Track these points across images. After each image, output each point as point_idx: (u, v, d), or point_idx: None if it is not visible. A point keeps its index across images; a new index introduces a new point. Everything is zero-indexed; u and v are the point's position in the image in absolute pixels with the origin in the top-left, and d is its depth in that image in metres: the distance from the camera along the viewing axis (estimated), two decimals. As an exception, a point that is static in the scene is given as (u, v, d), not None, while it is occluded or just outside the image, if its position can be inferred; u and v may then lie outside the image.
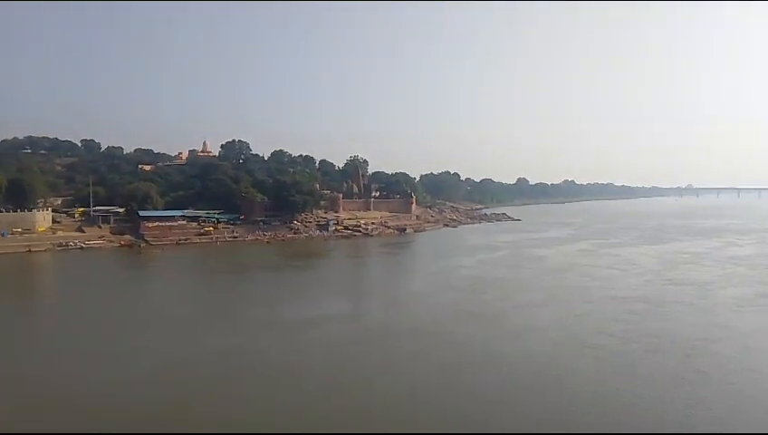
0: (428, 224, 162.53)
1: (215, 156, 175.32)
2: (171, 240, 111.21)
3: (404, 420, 30.39)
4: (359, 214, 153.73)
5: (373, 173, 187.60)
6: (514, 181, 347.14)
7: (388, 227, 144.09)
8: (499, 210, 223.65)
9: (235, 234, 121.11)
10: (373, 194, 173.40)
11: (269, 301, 62.40)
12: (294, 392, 34.10)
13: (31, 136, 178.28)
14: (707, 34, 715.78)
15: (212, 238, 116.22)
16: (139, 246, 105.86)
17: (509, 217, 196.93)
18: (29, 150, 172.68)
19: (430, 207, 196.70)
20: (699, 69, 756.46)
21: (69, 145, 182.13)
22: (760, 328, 49.86)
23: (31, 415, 30.52)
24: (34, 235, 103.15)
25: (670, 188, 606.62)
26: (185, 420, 30.04)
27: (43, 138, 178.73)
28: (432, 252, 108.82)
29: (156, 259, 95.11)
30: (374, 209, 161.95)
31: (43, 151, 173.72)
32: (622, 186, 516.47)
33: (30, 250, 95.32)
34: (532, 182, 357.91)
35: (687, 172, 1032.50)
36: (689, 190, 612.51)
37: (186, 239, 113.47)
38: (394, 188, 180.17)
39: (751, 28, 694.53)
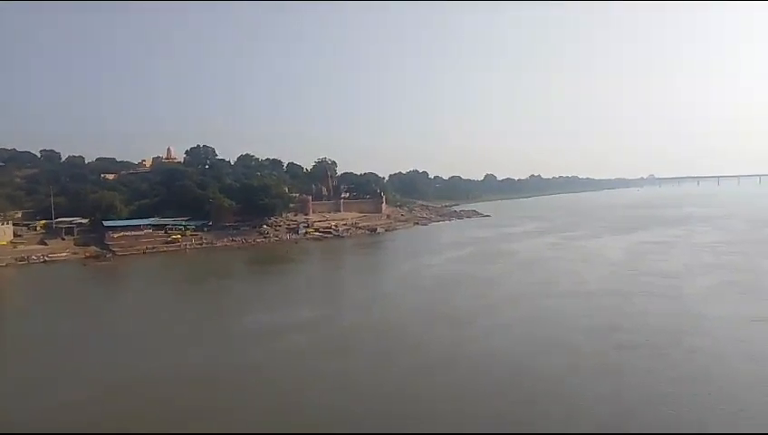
0: (399, 223, 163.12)
1: (180, 162, 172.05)
2: (138, 249, 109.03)
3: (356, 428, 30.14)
4: (329, 216, 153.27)
5: (342, 174, 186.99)
6: (482, 178, 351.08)
7: (360, 228, 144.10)
8: (469, 207, 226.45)
9: (204, 240, 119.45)
10: (343, 195, 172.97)
11: (235, 310, 61.33)
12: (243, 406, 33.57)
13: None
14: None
15: (180, 246, 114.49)
16: (105, 256, 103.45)
17: (479, 214, 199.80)
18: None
19: (401, 207, 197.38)
20: (660, 57, 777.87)
21: (28, 156, 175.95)
22: (729, 318, 50.10)
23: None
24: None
25: (634, 179, 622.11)
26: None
27: (1, 149, 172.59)
28: (404, 251, 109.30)
29: (121, 270, 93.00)
30: (344, 210, 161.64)
31: (0, 163, 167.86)
32: (587, 178, 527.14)
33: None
34: (499, 178, 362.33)
35: (649, 163, 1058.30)
36: (651, 181, 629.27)
37: (153, 248, 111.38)
38: (364, 189, 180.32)
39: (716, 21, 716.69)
